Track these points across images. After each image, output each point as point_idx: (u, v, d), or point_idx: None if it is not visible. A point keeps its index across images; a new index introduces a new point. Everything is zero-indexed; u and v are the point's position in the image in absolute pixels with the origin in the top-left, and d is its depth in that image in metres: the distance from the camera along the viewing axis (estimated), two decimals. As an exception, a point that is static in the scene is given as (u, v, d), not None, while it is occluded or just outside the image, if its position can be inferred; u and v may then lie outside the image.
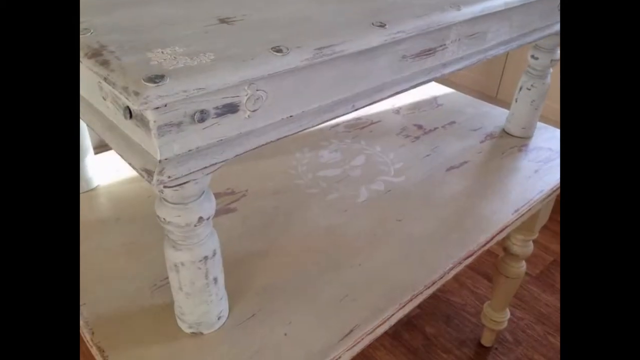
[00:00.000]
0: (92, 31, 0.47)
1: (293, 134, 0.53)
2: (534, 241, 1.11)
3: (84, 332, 0.62)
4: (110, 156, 0.95)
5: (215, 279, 0.58)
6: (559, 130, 1.12)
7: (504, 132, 1.10)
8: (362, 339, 0.63)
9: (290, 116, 0.52)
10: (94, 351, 0.60)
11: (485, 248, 0.80)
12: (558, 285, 1.54)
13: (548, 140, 1.08)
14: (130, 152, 0.46)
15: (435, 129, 1.11)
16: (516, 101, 1.05)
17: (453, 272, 0.75)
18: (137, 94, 0.38)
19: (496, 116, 1.17)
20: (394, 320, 0.67)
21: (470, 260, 0.78)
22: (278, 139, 0.52)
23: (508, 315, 1.28)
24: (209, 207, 0.52)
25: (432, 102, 1.23)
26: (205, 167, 0.47)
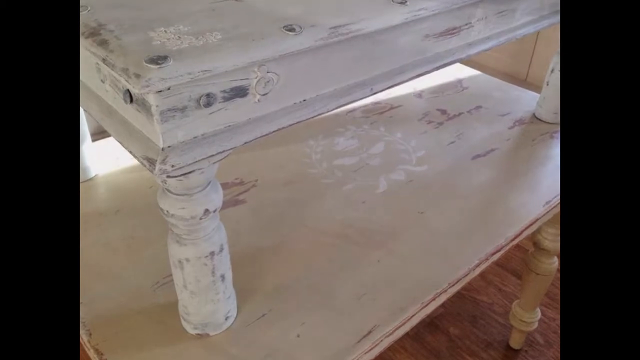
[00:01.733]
0: (89, 8, 0.47)
1: (306, 119, 0.53)
2: (566, 236, 1.10)
3: (81, 334, 0.62)
4: (109, 143, 0.95)
5: (223, 276, 0.58)
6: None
7: (535, 118, 1.09)
8: (381, 341, 0.63)
9: (304, 100, 0.52)
10: (91, 354, 0.61)
11: (514, 243, 0.80)
12: (593, 284, 1.53)
13: (583, 126, 1.07)
14: (131, 139, 0.46)
15: (460, 114, 1.10)
16: (547, 84, 1.04)
17: (479, 269, 0.75)
18: (138, 76, 0.38)
19: (526, 100, 1.16)
20: (415, 321, 0.67)
21: (497, 256, 0.77)
22: (290, 125, 0.52)
23: (539, 315, 1.27)
24: (216, 198, 0.52)
25: (457, 85, 1.22)
26: (212, 156, 0.47)
